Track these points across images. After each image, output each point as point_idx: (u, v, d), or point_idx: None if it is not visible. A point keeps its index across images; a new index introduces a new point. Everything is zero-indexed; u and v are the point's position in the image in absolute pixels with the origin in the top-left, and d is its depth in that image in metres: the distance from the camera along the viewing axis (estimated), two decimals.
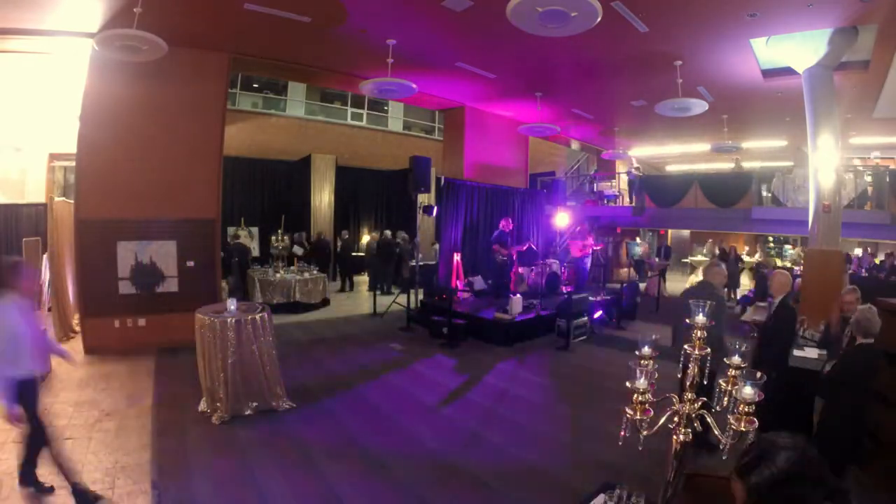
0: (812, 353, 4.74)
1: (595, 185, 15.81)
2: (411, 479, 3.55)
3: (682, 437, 1.68)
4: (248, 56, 7.10)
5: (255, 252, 11.75)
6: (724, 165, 15.72)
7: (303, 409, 4.66)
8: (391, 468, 3.70)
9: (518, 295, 7.89)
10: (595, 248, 10.85)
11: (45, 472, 3.05)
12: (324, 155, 13.03)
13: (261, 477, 3.47)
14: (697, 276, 14.58)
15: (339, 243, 12.82)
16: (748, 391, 1.49)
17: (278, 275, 9.24)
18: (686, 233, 17.68)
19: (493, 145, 10.77)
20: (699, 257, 15.00)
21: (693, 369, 1.69)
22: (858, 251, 12.55)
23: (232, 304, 5.04)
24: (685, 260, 16.07)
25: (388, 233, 12.25)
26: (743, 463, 1.20)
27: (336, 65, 7.66)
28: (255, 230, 12.29)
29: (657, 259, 13.13)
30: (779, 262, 13.48)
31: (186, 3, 5.29)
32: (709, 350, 1.70)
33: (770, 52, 6.35)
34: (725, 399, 1.64)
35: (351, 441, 4.12)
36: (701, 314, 1.68)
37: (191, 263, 6.65)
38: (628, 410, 1.66)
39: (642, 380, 1.66)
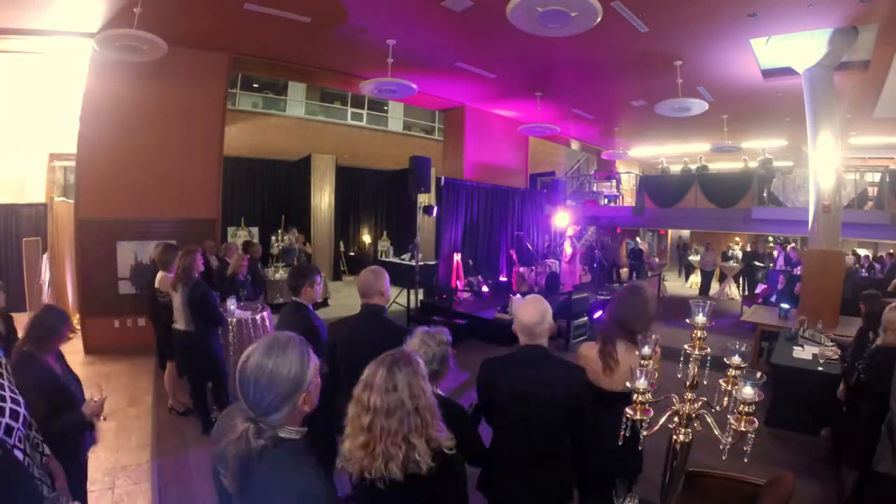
0: (808, 353, 4.76)
1: (595, 185, 15.81)
2: None
3: (682, 437, 1.68)
4: (248, 56, 7.10)
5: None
6: (726, 165, 15.72)
7: None
8: None
9: (518, 295, 7.89)
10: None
11: None
12: (324, 155, 13.01)
13: None
14: (698, 277, 14.61)
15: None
16: (748, 391, 1.49)
17: (278, 275, 9.24)
18: (686, 233, 17.68)
19: (493, 145, 10.77)
20: (699, 257, 15.00)
21: (693, 369, 1.69)
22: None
23: (232, 304, 5.06)
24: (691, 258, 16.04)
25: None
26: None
27: (336, 65, 7.65)
28: (255, 230, 12.29)
29: (657, 259, 13.13)
30: None
31: (186, 3, 5.29)
32: None
33: (770, 52, 6.35)
34: (725, 399, 1.64)
35: None
36: (701, 314, 1.68)
37: None
38: (628, 410, 1.66)
39: (642, 380, 1.67)
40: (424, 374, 1.39)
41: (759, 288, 9.66)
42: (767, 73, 7.22)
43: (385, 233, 14.60)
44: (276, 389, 1.16)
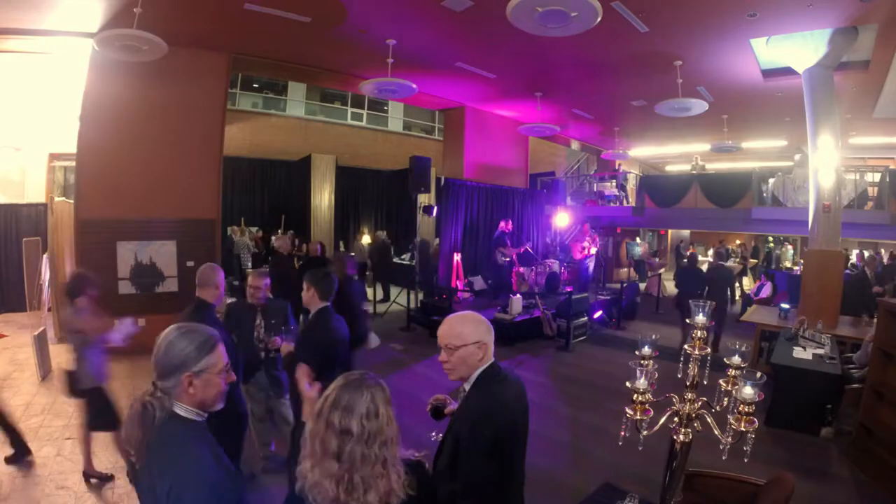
0: (808, 353, 4.76)
1: (595, 185, 15.80)
2: None
3: (682, 437, 1.68)
4: (248, 56, 7.10)
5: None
6: (725, 165, 15.74)
7: None
8: None
9: (518, 295, 7.89)
10: (597, 247, 10.87)
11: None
12: (324, 155, 13.01)
13: (260, 476, 3.47)
14: None
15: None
16: (748, 391, 1.49)
17: None
18: (686, 233, 17.67)
19: (493, 145, 10.77)
20: (700, 257, 14.98)
21: (693, 369, 1.69)
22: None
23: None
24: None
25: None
26: None
27: (336, 65, 7.65)
28: (255, 230, 12.29)
29: (657, 259, 13.13)
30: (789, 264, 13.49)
31: (186, 3, 5.29)
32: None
33: (770, 52, 6.34)
34: (725, 399, 1.65)
35: None
36: (701, 314, 1.68)
37: (191, 263, 6.64)
38: (628, 410, 1.66)
39: (642, 380, 1.67)
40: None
41: (765, 292, 9.59)
42: (767, 73, 7.21)
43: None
44: (166, 359, 1.31)
